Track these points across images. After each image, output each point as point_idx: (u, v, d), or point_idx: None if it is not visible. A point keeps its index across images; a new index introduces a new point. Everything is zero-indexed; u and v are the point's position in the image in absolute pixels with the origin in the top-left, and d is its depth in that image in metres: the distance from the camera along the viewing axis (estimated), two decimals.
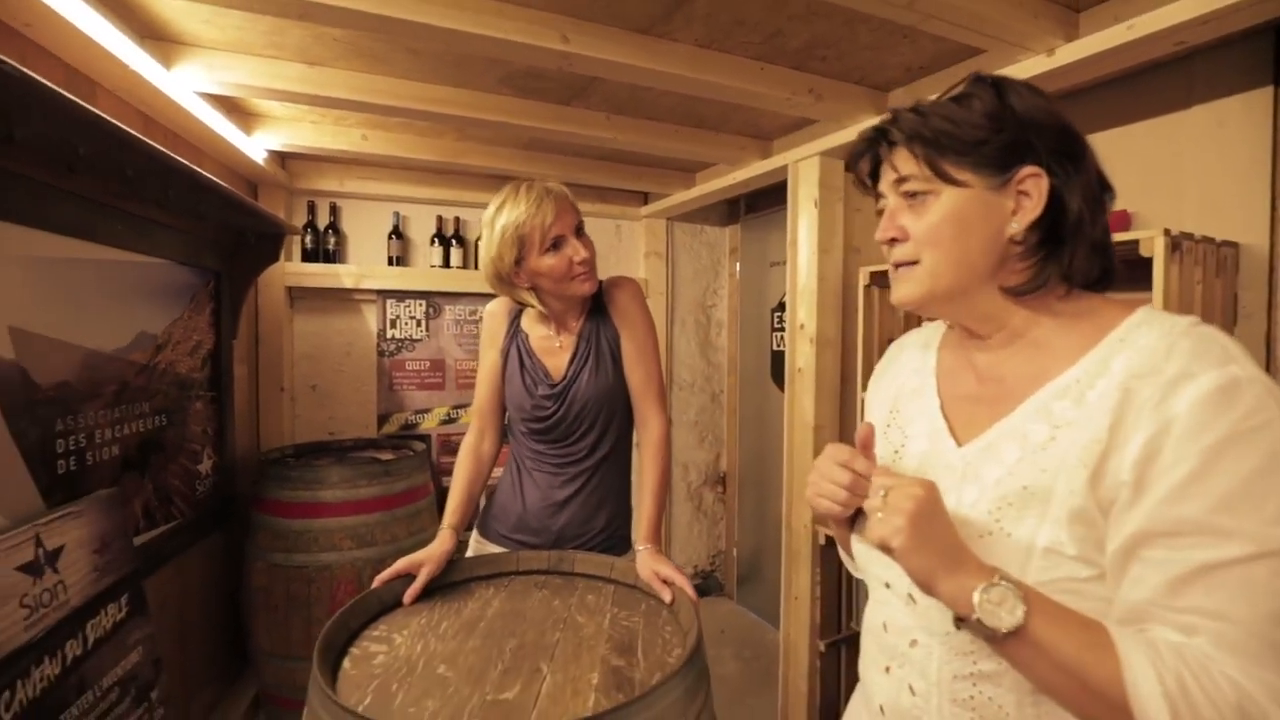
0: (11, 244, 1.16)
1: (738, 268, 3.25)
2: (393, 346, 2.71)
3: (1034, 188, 0.62)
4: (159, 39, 1.53)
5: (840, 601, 2.02)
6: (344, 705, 0.72)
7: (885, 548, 0.58)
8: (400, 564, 1.11)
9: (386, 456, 2.25)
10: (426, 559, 1.12)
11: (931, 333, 0.81)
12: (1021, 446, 0.61)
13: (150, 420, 1.64)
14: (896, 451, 0.74)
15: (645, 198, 3.16)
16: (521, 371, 1.33)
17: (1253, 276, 1.34)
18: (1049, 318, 0.65)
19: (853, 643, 1.97)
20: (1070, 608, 0.55)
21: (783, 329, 2.79)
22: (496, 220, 1.24)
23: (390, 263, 2.69)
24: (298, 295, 2.57)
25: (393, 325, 2.70)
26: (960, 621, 0.57)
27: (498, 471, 1.44)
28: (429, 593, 1.11)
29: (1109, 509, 0.55)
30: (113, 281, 1.48)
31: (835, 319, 2.09)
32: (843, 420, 2.11)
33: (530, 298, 1.28)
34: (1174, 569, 0.51)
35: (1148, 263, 1.19)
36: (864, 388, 1.84)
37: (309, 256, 2.57)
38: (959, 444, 0.67)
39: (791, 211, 2.16)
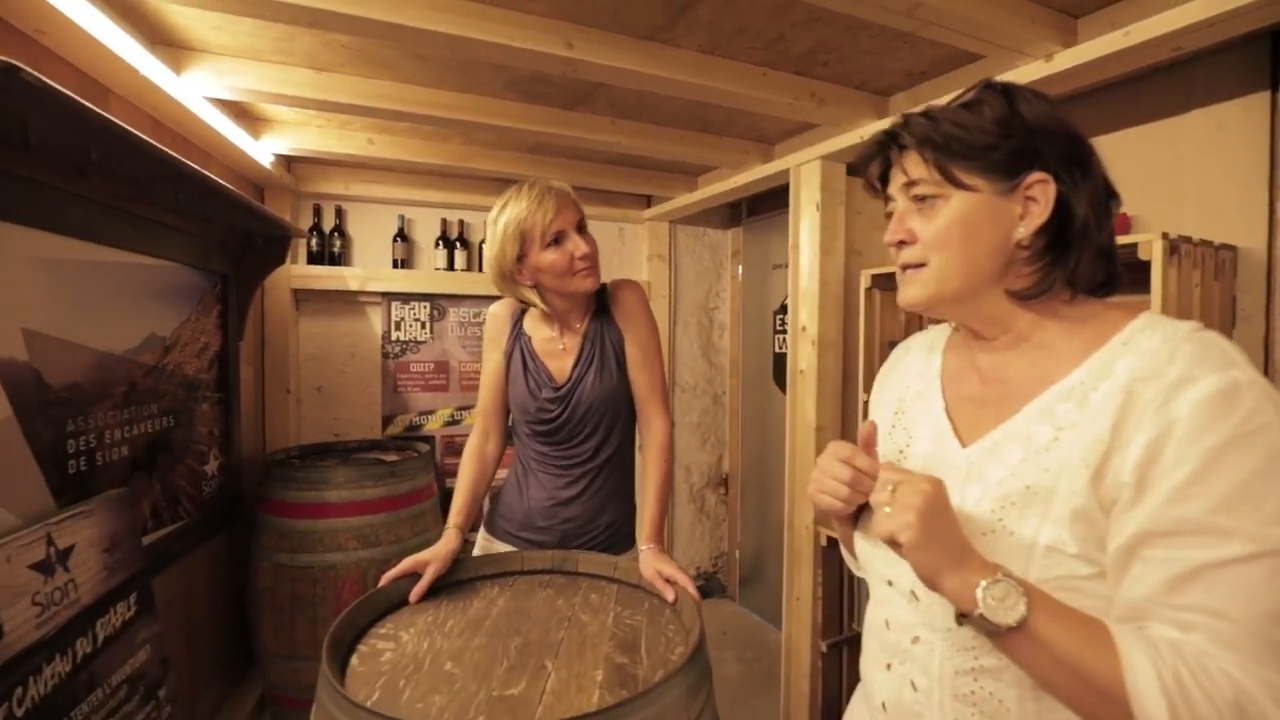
0: (25, 247, 1.18)
1: (740, 270, 3.27)
2: (397, 348, 2.73)
3: (1041, 193, 0.63)
4: (169, 45, 1.55)
5: (842, 602, 2.03)
6: (353, 700, 0.73)
7: (893, 542, 0.59)
8: (406, 563, 1.12)
9: (391, 458, 2.27)
10: (432, 558, 1.13)
11: (936, 335, 0.82)
12: (1025, 447, 0.62)
13: (158, 421, 1.66)
14: (901, 452, 0.75)
15: (648, 201, 3.18)
16: (525, 374, 1.34)
17: (1251, 279, 1.35)
18: (1054, 321, 0.66)
19: (854, 643, 1.98)
20: (1071, 605, 0.56)
21: (785, 331, 2.80)
22: (499, 218, 1.26)
23: (395, 265, 2.71)
24: (303, 297, 2.60)
25: (397, 327, 2.72)
26: (962, 617, 0.58)
27: (502, 473, 1.46)
28: (435, 591, 1.12)
29: (1110, 508, 0.56)
30: (122, 284, 1.50)
31: (837, 321, 2.10)
32: (844, 421, 2.12)
33: (533, 296, 1.29)
34: (1174, 568, 0.52)
35: (1147, 265, 1.20)
36: (865, 389, 1.85)
37: (314, 259, 2.59)
38: (963, 445, 0.68)
39: (793, 215, 2.17)
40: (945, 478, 0.66)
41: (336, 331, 2.67)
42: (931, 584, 0.59)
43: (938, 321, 0.84)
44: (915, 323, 1.91)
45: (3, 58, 0.85)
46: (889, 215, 0.72)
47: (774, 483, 2.91)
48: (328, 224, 2.64)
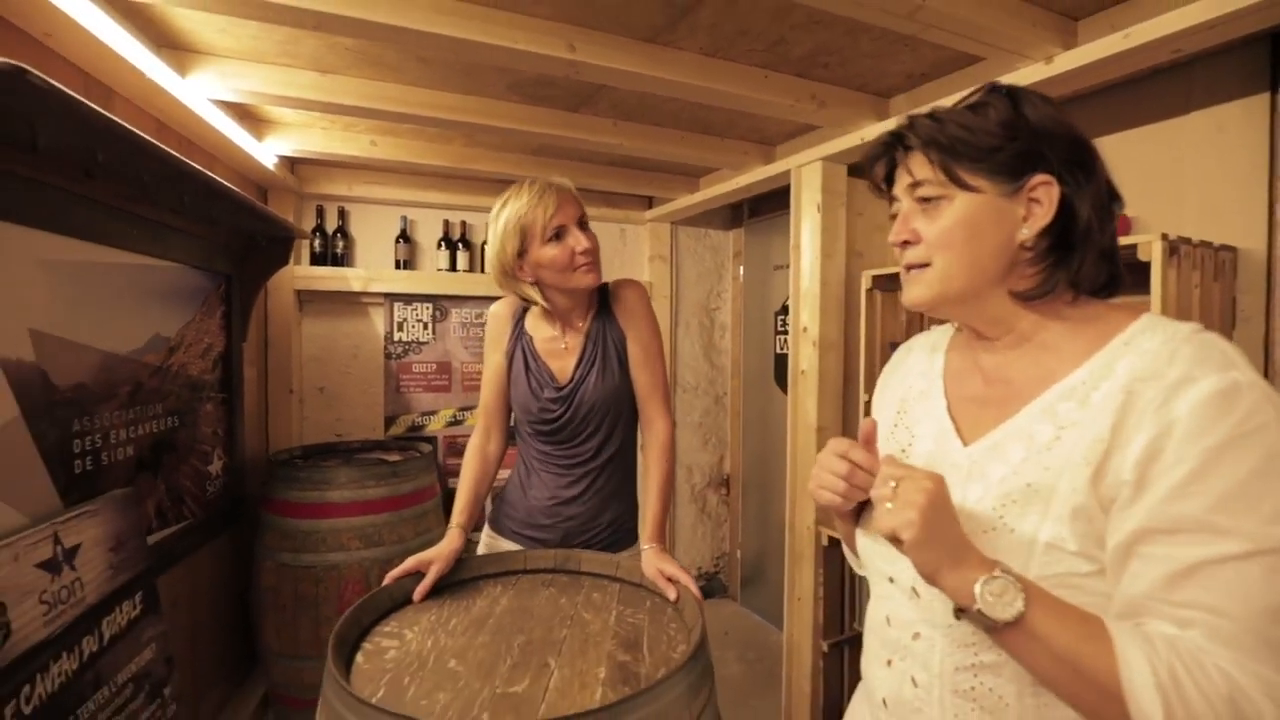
0: (32, 248, 1.19)
1: (741, 271, 3.27)
2: (399, 349, 2.74)
3: (1045, 195, 0.64)
4: (175, 47, 1.56)
5: (843, 602, 2.04)
6: (359, 697, 0.74)
7: (895, 539, 0.60)
8: (410, 562, 1.13)
9: (393, 458, 2.27)
10: (436, 557, 1.14)
11: (939, 336, 0.83)
12: (1027, 446, 0.63)
13: (163, 421, 1.67)
14: (904, 451, 0.76)
15: (650, 202, 3.19)
16: (527, 374, 1.34)
17: (1251, 280, 1.35)
18: (1056, 322, 0.67)
19: (856, 643, 1.98)
20: (1069, 602, 0.57)
21: (786, 332, 2.81)
22: (501, 215, 1.26)
23: (397, 266, 2.72)
24: (306, 298, 2.61)
25: (400, 328, 2.73)
26: (960, 612, 0.59)
27: (504, 472, 1.46)
28: (438, 590, 1.13)
29: (1109, 507, 0.57)
30: (128, 285, 1.51)
31: (838, 322, 2.11)
32: (845, 422, 2.13)
33: (534, 293, 1.28)
34: (1171, 565, 0.53)
35: (1147, 266, 1.21)
36: (867, 390, 1.86)
37: (317, 260, 2.60)
38: (965, 444, 0.69)
39: (794, 216, 2.18)
40: (947, 476, 0.66)
41: (339, 332, 2.68)
42: (931, 580, 0.59)
43: (940, 322, 0.85)
44: (916, 323, 1.92)
45: (11, 60, 0.86)
46: (893, 216, 0.73)
47: (775, 483, 2.92)
48: (330, 225, 2.65)
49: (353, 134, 2.24)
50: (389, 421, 2.72)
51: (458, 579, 1.17)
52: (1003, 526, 0.61)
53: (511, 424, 1.45)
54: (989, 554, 0.59)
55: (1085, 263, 0.65)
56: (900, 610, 0.70)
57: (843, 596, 2.03)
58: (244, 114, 2.01)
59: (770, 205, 2.92)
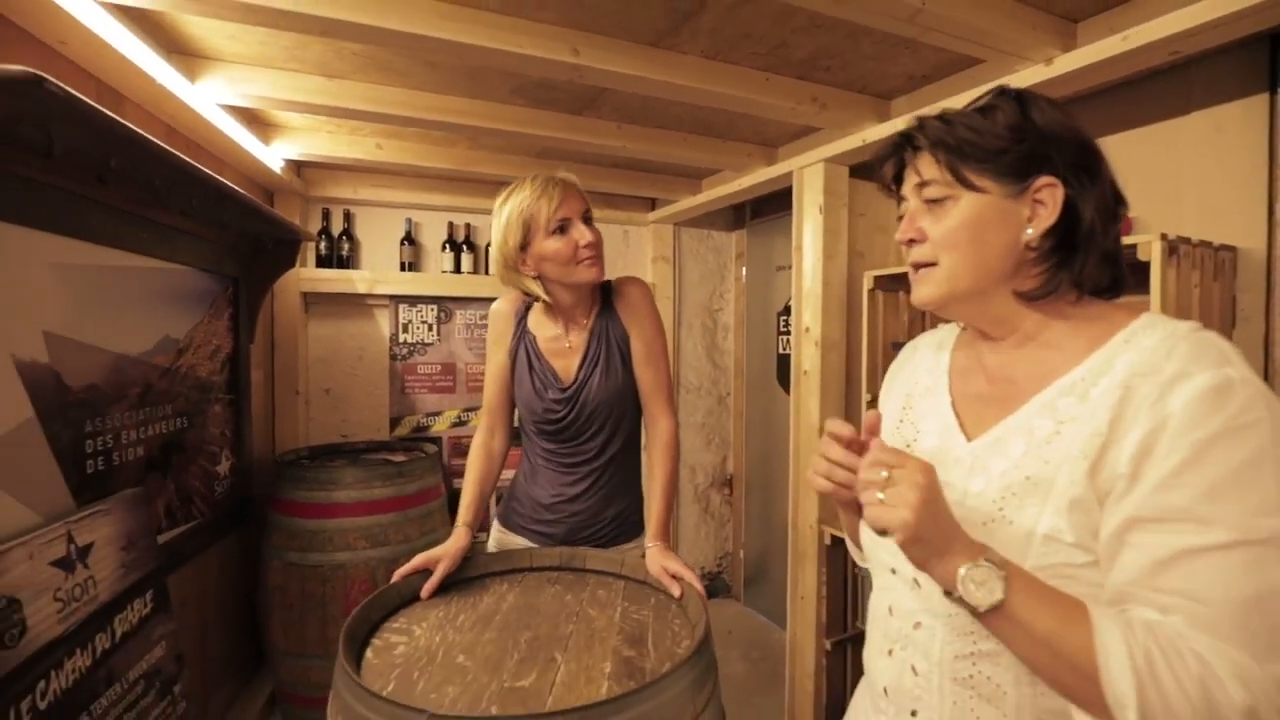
0: (46, 252, 1.21)
1: (744, 272, 3.29)
2: (405, 350, 2.76)
3: (1049, 197, 0.65)
4: (184, 53, 1.59)
5: (846, 601, 2.05)
6: (370, 690, 0.76)
7: (884, 533, 0.61)
8: (418, 560, 1.14)
9: (399, 458, 2.29)
10: (443, 555, 1.15)
11: (945, 334, 0.84)
12: (1027, 440, 0.64)
13: (172, 422, 1.69)
14: (908, 446, 0.77)
15: (653, 203, 3.20)
16: (531, 374, 1.34)
17: (1251, 280, 1.36)
18: (1060, 321, 0.68)
19: (858, 641, 1.99)
20: (1056, 588, 0.58)
21: (788, 332, 2.82)
22: (504, 207, 1.26)
23: (402, 268, 2.74)
24: (312, 300, 2.63)
25: (405, 330, 2.75)
26: (949, 593, 0.60)
27: (509, 472, 1.47)
28: (446, 588, 1.14)
29: (1105, 499, 0.58)
30: (138, 287, 1.53)
31: (840, 322, 2.12)
32: (847, 421, 2.13)
33: (537, 287, 1.28)
34: (1157, 552, 0.55)
35: (1146, 266, 1.22)
36: (869, 390, 1.87)
37: (323, 262, 2.62)
38: (969, 439, 0.70)
39: (796, 217, 2.19)
40: (950, 471, 0.68)
41: (345, 334, 2.70)
42: (920, 568, 0.61)
43: (945, 321, 0.86)
44: (918, 323, 1.93)
45: (29, 69, 0.88)
46: (900, 217, 0.74)
47: (778, 483, 2.93)
48: (336, 228, 2.67)
49: (358, 137, 2.27)
50: (394, 422, 2.74)
51: (464, 577, 1.19)
52: (1002, 518, 0.63)
53: (515, 422, 1.46)
54: (989, 545, 0.61)
55: (1088, 264, 0.66)
56: (902, 600, 0.71)
57: (845, 595, 2.04)
58: (251, 118, 2.03)
59: (772, 206, 2.94)
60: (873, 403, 1.85)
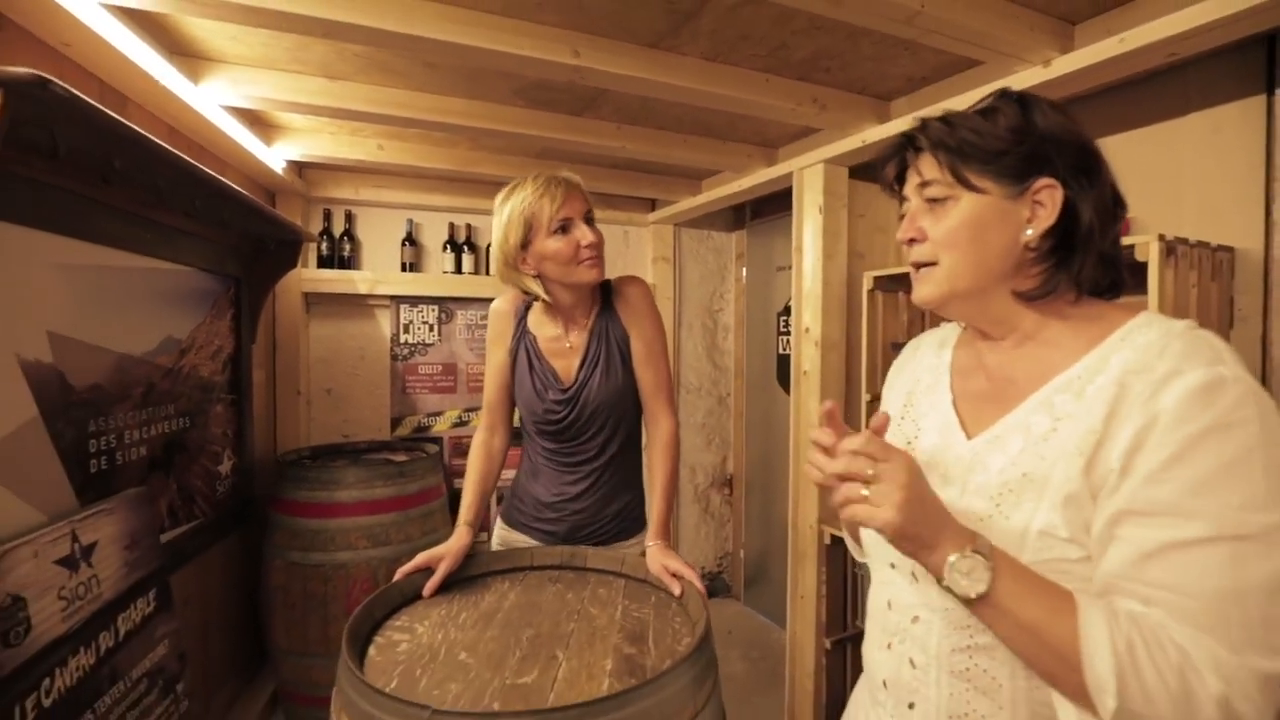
0: (50, 252, 1.21)
1: (744, 272, 3.30)
2: (406, 351, 2.76)
3: (1049, 198, 0.66)
4: (187, 55, 1.59)
5: (845, 600, 2.05)
6: (374, 686, 0.76)
7: (864, 526, 0.62)
8: (420, 558, 1.15)
9: (400, 458, 2.30)
10: (445, 554, 1.16)
11: (948, 332, 0.85)
12: (1025, 437, 0.65)
13: (175, 422, 1.69)
14: (909, 443, 0.78)
15: (653, 204, 3.21)
16: (531, 375, 1.34)
17: (1248, 280, 1.37)
18: (1058, 321, 0.69)
19: (857, 640, 2.00)
20: (1044, 577, 0.59)
21: (788, 333, 2.82)
22: (506, 204, 1.25)
23: (403, 269, 2.75)
24: (313, 301, 2.64)
25: (406, 330, 2.76)
26: (940, 583, 0.61)
27: (510, 471, 1.48)
28: (447, 586, 1.15)
29: (1098, 494, 0.59)
30: (141, 288, 1.53)
31: (840, 322, 2.13)
32: (848, 421, 2.14)
33: (536, 286, 1.28)
34: (1142, 545, 0.56)
35: (1144, 267, 1.22)
36: (868, 390, 1.88)
37: (324, 263, 2.63)
38: (969, 437, 0.71)
39: (796, 217, 2.20)
40: (950, 468, 0.69)
41: (346, 334, 2.71)
42: (911, 558, 0.62)
43: (944, 321, 0.87)
44: (918, 323, 1.94)
45: (35, 71, 0.89)
46: (902, 216, 0.75)
47: (778, 483, 2.93)
48: (337, 228, 2.68)
49: (360, 138, 2.27)
50: (395, 422, 2.75)
51: (466, 575, 1.20)
52: (998, 514, 0.64)
53: (516, 421, 1.46)
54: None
55: (1086, 264, 0.67)
56: (901, 594, 0.73)
57: (845, 594, 2.05)
58: (254, 119, 2.04)
59: (772, 207, 2.94)
60: (873, 402, 1.86)
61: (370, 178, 2.64)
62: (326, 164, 2.47)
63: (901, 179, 0.75)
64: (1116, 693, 0.52)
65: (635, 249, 3.24)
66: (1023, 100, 0.69)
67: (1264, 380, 1.34)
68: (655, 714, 0.77)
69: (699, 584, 1.09)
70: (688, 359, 3.29)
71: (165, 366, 1.65)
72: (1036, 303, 0.69)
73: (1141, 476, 0.56)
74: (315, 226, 2.64)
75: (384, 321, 2.75)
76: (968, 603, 0.59)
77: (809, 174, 2.14)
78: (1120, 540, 0.57)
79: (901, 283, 1.88)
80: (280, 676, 2.10)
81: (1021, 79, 1.47)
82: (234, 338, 2.06)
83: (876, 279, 1.87)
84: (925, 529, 0.59)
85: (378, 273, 2.68)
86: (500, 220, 1.26)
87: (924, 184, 0.71)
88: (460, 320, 2.84)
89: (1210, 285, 1.32)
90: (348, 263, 2.67)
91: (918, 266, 0.73)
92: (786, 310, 2.87)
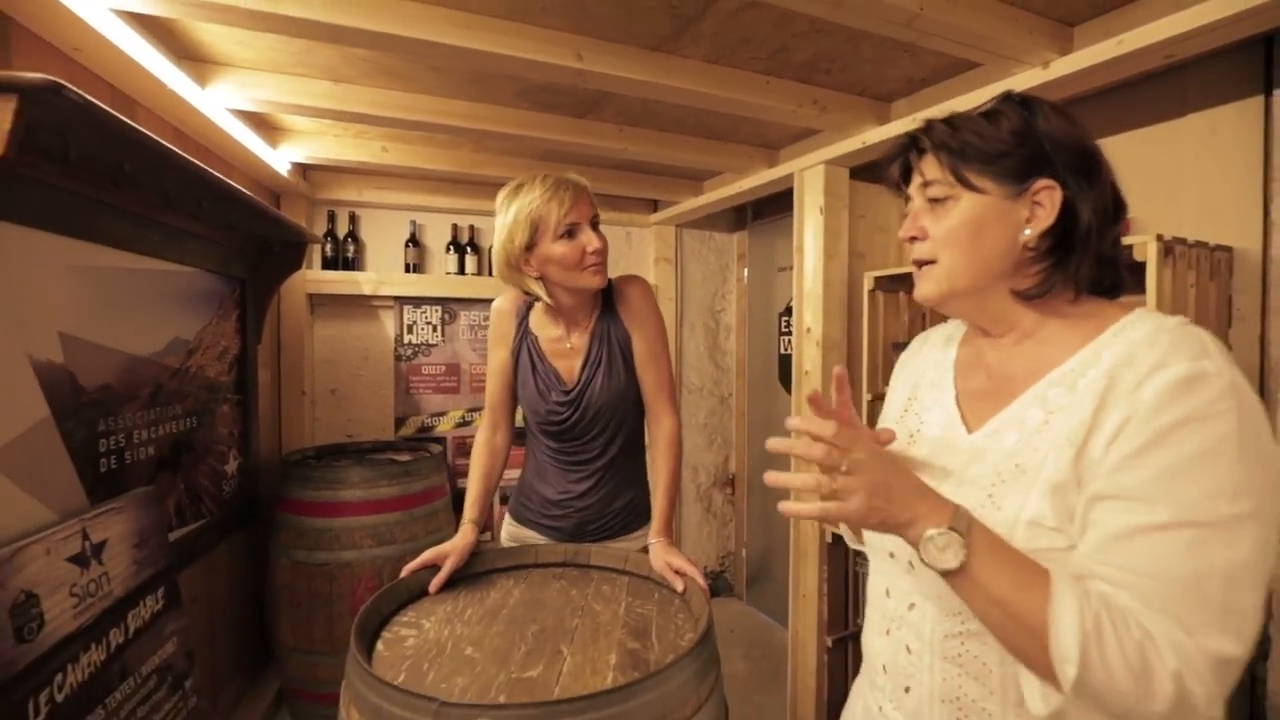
0: (62, 255, 1.23)
1: (745, 273, 3.31)
2: (409, 351, 2.78)
3: (1048, 199, 0.67)
4: (195, 59, 1.61)
5: (847, 599, 2.06)
6: (383, 679, 0.78)
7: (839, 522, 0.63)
8: (426, 555, 1.16)
9: (404, 458, 2.31)
10: (451, 551, 1.17)
11: (953, 329, 0.87)
12: (1020, 430, 0.67)
13: (182, 422, 1.71)
14: (912, 436, 0.80)
15: (655, 205, 3.23)
16: (534, 376, 1.35)
17: (1247, 280, 1.38)
18: (1057, 319, 0.70)
19: (859, 639, 2.01)
20: (1020, 551, 0.61)
21: (790, 333, 2.83)
22: (511, 205, 1.23)
23: (407, 270, 2.77)
24: (318, 302, 2.65)
25: (409, 330, 2.78)
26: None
27: (512, 472, 1.49)
28: (453, 583, 1.16)
29: (1083, 483, 0.61)
30: (149, 289, 1.55)
31: (841, 322, 2.14)
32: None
33: (538, 288, 1.27)
34: (1111, 529, 0.58)
35: (1143, 266, 1.23)
36: (869, 389, 1.89)
37: (329, 264, 2.65)
38: (969, 431, 0.73)
39: (797, 218, 2.21)
40: (950, 461, 0.71)
41: (350, 335, 2.73)
42: (894, 534, 0.64)
43: (945, 320, 0.89)
44: (919, 323, 1.95)
45: (49, 76, 0.90)
46: (904, 215, 0.77)
47: None
48: (342, 230, 2.70)
49: (364, 141, 2.29)
50: (399, 423, 2.77)
51: (471, 572, 1.21)
52: (990, 504, 0.66)
53: (518, 420, 1.47)
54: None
55: (1084, 265, 0.68)
56: (898, 582, 0.75)
57: (846, 593, 2.06)
58: (259, 122, 2.06)
59: (774, 208, 2.96)
60: (874, 402, 1.87)
61: (374, 179, 2.66)
62: (331, 166, 2.49)
63: (907, 179, 0.77)
64: (1078, 662, 0.54)
65: (637, 249, 3.25)
66: (1026, 103, 0.71)
67: (1262, 379, 1.35)
68: (658, 707, 0.78)
69: (701, 580, 1.10)
70: (690, 359, 3.30)
71: (173, 367, 1.66)
72: (1035, 301, 0.70)
73: (1114, 463, 0.58)
74: (320, 228, 2.66)
75: (388, 322, 2.77)
76: (945, 576, 0.60)
77: (810, 175, 2.15)
78: (1092, 524, 0.59)
79: (902, 283, 1.89)
80: (285, 674, 2.12)
81: (1021, 81, 1.48)
82: (240, 338, 2.08)
83: (877, 279, 1.88)
84: (897, 509, 0.61)
85: (382, 274, 2.70)
86: (505, 220, 1.24)
87: (926, 184, 0.72)
88: (463, 321, 2.85)
89: (1208, 285, 1.33)
90: (352, 264, 2.69)
91: (919, 264, 0.75)
92: (788, 310, 2.88)
